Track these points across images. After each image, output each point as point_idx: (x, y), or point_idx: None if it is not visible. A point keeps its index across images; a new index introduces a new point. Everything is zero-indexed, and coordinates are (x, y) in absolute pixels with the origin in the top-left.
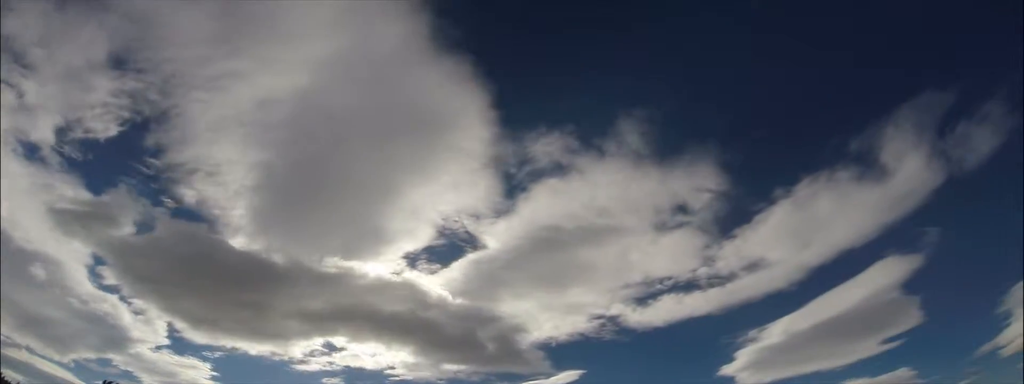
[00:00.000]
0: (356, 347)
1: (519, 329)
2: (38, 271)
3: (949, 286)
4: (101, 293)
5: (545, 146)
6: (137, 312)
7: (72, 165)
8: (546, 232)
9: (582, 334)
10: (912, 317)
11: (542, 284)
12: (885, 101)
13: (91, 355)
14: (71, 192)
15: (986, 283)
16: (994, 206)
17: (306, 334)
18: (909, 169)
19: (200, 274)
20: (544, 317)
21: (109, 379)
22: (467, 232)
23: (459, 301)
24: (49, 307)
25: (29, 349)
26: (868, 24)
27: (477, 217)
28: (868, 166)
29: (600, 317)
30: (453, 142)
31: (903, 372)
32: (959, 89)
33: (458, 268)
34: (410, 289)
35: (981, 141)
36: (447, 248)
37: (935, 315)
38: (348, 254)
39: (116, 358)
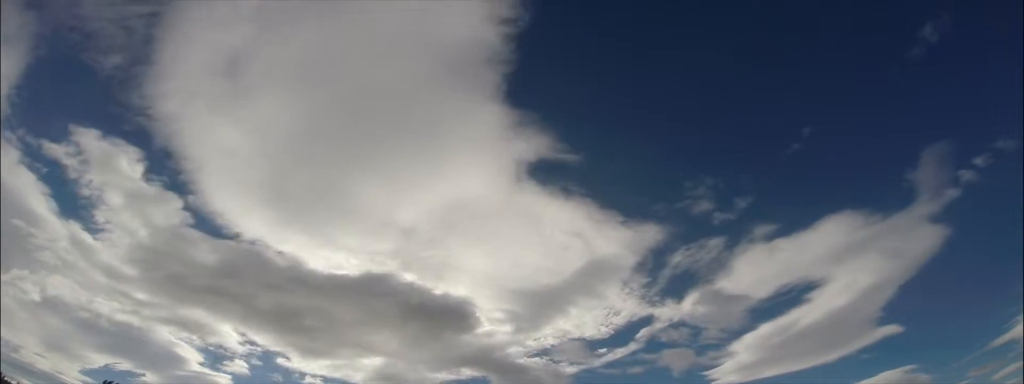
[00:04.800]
0: None
1: None
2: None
3: (951, 286)
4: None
5: None
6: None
7: None
8: None
9: None
10: (912, 318)
11: None
12: None
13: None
14: None
15: (988, 284)
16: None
17: None
18: None
19: None
20: None
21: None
22: None
23: None
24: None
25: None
26: None
27: None
28: None
29: None
30: None
31: (904, 371)
32: None
33: None
34: None
35: None
36: None
37: (937, 315)
38: None
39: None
